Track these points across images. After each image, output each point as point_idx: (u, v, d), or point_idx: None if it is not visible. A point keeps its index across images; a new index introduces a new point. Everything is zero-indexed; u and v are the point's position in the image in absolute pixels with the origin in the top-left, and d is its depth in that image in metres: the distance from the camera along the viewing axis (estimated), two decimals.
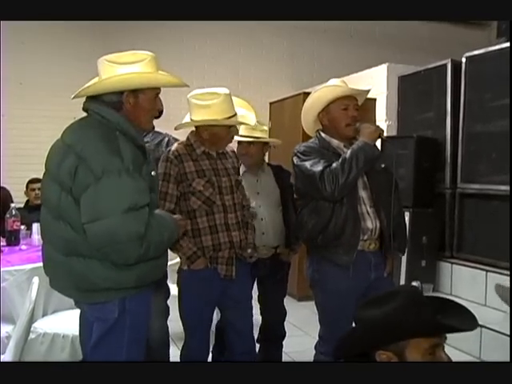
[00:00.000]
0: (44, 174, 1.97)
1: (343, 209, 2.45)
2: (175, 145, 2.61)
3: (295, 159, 2.55)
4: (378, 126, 2.55)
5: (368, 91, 2.70)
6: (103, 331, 1.93)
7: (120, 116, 1.92)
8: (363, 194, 2.52)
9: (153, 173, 2.01)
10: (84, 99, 1.99)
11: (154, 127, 2.08)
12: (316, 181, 2.40)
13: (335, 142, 2.57)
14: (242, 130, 2.96)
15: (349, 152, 2.42)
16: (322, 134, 2.61)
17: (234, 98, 2.62)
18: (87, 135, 1.87)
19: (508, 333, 3.58)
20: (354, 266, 2.46)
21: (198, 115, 2.55)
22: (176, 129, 2.66)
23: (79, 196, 1.80)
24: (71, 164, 1.81)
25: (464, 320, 1.37)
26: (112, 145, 1.83)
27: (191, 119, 2.60)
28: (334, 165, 2.40)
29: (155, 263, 1.97)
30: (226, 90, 2.55)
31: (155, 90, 2.00)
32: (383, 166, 2.59)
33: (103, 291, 1.89)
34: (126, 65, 1.91)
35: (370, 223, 2.50)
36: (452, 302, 1.47)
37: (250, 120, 2.70)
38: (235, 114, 2.57)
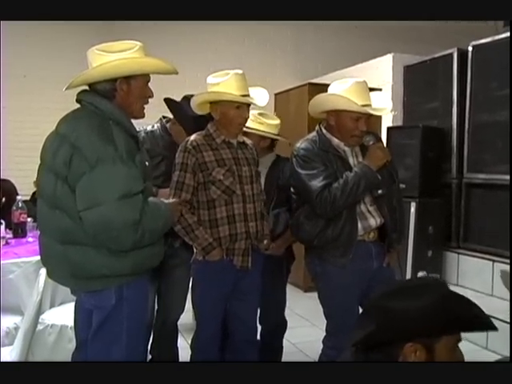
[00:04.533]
0: (39, 165, 1.99)
1: (342, 213, 2.43)
2: (193, 135, 2.59)
3: (294, 162, 2.52)
4: (387, 152, 2.50)
5: (383, 114, 2.65)
6: (102, 319, 1.95)
7: (113, 106, 1.95)
8: None
9: (146, 163, 2.04)
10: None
11: (144, 115, 2.09)
12: (312, 198, 2.39)
13: (335, 141, 2.53)
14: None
15: (351, 176, 2.39)
16: (323, 130, 2.56)
17: (250, 88, 2.60)
18: (81, 125, 1.89)
19: None
20: (355, 258, 2.45)
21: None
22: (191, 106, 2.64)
23: (74, 184, 1.83)
24: (66, 153, 1.84)
25: (488, 319, 1.37)
26: (106, 134, 1.85)
27: None
28: (335, 186, 2.38)
29: (151, 250, 1.99)
30: (238, 71, 2.54)
31: (146, 77, 2.03)
32: (380, 192, 2.54)
33: (100, 279, 1.91)
34: (116, 53, 1.94)
35: (373, 221, 2.50)
36: (471, 301, 1.46)
37: (258, 100, 2.67)
38: (247, 95, 2.54)
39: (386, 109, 2.61)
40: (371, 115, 2.50)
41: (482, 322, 1.36)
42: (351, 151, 2.55)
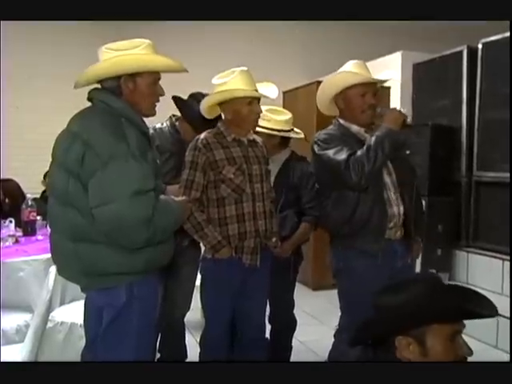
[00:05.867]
0: (51, 162, 2.00)
1: (369, 196, 2.41)
2: (204, 133, 2.59)
3: (316, 148, 2.50)
4: (402, 111, 2.48)
5: (386, 80, 2.66)
6: (112, 317, 1.95)
7: (124, 103, 1.95)
8: (388, 179, 2.49)
9: (157, 160, 2.06)
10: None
11: (155, 113, 2.09)
12: (340, 170, 2.35)
13: (355, 128, 2.53)
14: None
15: (373, 139, 2.37)
16: (341, 121, 2.56)
17: (258, 85, 2.60)
18: (93, 123, 1.89)
19: None
20: (381, 255, 2.43)
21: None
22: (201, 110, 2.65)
23: (87, 182, 1.83)
24: (78, 151, 1.84)
25: (485, 306, 1.37)
26: (118, 131, 1.86)
27: None
28: (359, 152, 2.35)
29: (162, 248, 1.99)
30: (243, 68, 2.54)
31: (154, 75, 2.01)
32: (408, 152, 2.53)
33: (111, 276, 1.92)
34: (122, 51, 1.94)
35: (396, 209, 2.48)
36: (470, 289, 1.47)
37: (269, 93, 2.66)
38: (256, 90, 2.54)
39: (389, 78, 2.63)
40: (377, 91, 2.54)
41: (465, 312, 1.37)
42: (371, 137, 2.51)
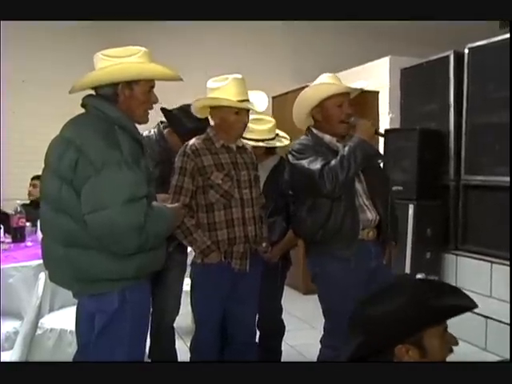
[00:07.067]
0: (43, 169, 2.00)
1: (341, 204, 2.47)
2: (193, 139, 2.61)
3: (290, 157, 2.56)
4: (373, 122, 2.56)
5: (361, 89, 2.70)
6: (104, 322, 1.95)
7: (118, 111, 1.96)
8: (359, 186, 2.55)
9: (150, 168, 2.07)
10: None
11: (148, 120, 2.10)
12: (315, 179, 2.41)
13: (327, 138, 2.59)
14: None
15: (346, 149, 2.43)
16: (314, 130, 2.62)
17: (250, 92, 2.61)
18: (86, 129, 1.90)
19: None
20: (354, 257, 2.48)
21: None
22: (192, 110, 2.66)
23: (80, 188, 1.83)
24: (71, 157, 1.85)
25: (467, 299, 1.39)
26: (111, 138, 1.87)
27: None
28: (333, 162, 2.41)
29: (154, 254, 2.00)
30: (237, 75, 2.56)
31: (149, 83, 2.03)
32: (380, 161, 2.61)
33: (103, 282, 1.92)
34: (119, 58, 1.96)
35: (370, 214, 2.54)
36: (445, 283, 1.49)
37: (258, 105, 2.67)
38: (246, 100, 2.55)
39: (363, 87, 2.71)
40: (355, 101, 2.63)
41: (456, 308, 1.39)
42: (343, 147, 2.57)
